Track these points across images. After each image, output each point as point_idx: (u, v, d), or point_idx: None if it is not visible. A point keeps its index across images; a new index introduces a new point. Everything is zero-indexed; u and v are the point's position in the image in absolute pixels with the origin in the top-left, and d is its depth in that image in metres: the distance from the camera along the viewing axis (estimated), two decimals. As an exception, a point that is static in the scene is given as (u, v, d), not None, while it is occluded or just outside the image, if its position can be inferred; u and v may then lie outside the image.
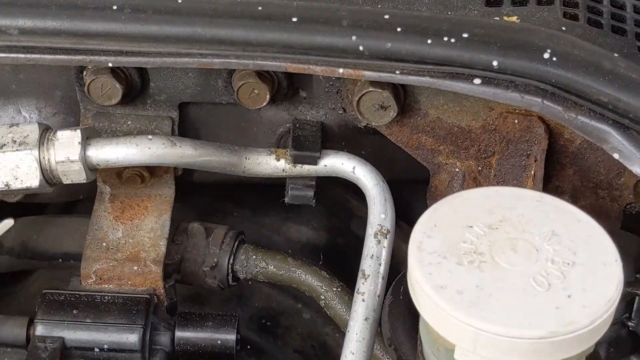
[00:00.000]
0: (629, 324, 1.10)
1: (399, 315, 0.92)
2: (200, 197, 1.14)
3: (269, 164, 0.89)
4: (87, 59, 0.83)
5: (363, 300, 0.82)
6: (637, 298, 1.07)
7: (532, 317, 0.64)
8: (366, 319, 0.81)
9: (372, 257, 0.84)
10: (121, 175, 0.93)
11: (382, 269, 0.84)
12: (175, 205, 0.98)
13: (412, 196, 1.09)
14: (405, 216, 0.97)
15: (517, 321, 0.64)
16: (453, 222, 0.72)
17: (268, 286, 1.14)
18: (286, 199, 0.92)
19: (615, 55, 0.80)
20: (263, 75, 0.87)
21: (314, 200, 0.92)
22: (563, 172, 0.89)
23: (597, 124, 0.78)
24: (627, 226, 1.06)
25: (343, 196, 1.28)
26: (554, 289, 0.66)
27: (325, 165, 0.89)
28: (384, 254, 0.84)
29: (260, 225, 1.18)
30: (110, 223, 0.93)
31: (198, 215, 1.08)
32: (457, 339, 0.66)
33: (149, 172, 0.93)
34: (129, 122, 0.93)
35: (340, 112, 0.94)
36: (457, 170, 0.92)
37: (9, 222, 0.87)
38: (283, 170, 0.90)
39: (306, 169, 0.90)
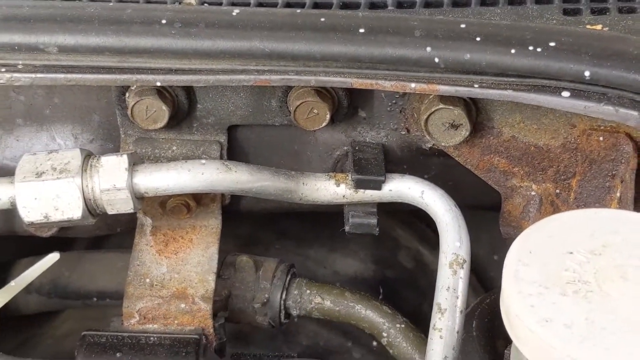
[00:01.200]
0: None
1: (474, 354, 0.84)
2: (239, 227, 1.07)
3: (329, 189, 0.82)
4: (133, 78, 0.76)
5: (441, 337, 0.75)
6: None
7: (655, 353, 0.56)
8: (445, 357, 0.74)
9: (448, 289, 0.77)
10: (165, 205, 0.86)
11: (459, 302, 0.77)
12: None
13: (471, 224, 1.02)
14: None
15: (637, 357, 0.56)
16: (550, 248, 0.65)
17: (315, 323, 1.07)
18: (347, 228, 0.84)
19: None
20: (322, 94, 0.80)
21: (377, 229, 0.84)
22: (652, 193, 0.82)
23: (701, 139, 0.71)
24: None
25: (388, 225, 1.21)
26: (676, 320, 0.58)
27: (390, 190, 0.82)
28: (461, 286, 0.77)
29: (304, 257, 1.11)
30: (153, 257, 0.86)
31: (238, 248, 1.01)
32: (569, 379, 0.58)
33: (196, 201, 0.86)
34: (174, 148, 0.86)
35: (404, 132, 0.86)
36: (532, 193, 0.84)
37: (54, 256, 0.79)
38: (344, 196, 0.82)
39: (369, 194, 0.82)
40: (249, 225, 1.10)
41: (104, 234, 1.02)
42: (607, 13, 0.80)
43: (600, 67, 0.70)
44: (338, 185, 0.82)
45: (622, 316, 0.59)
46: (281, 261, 0.91)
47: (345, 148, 0.88)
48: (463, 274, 0.77)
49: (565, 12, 0.80)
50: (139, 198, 0.77)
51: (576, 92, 0.72)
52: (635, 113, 0.72)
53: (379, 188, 0.82)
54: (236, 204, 0.92)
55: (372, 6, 0.82)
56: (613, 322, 0.58)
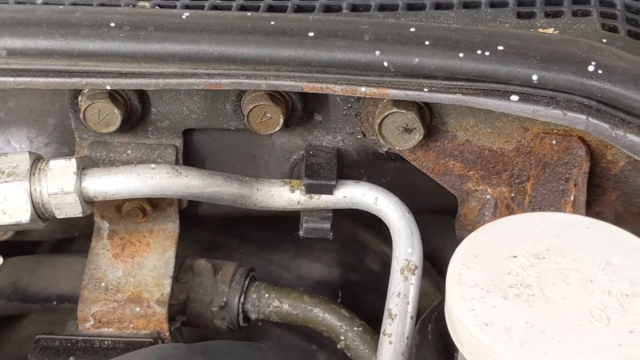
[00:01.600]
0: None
1: (429, 358, 0.84)
2: (202, 232, 1.06)
3: (283, 195, 0.82)
4: (82, 82, 0.76)
5: (390, 342, 0.75)
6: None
7: (591, 355, 0.56)
8: None
9: (399, 295, 0.77)
10: (121, 209, 0.86)
11: (410, 307, 0.77)
12: None
13: (430, 228, 1.02)
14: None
15: (576, 361, 0.56)
16: (494, 252, 0.65)
17: (279, 327, 1.06)
18: (301, 232, 0.84)
19: (663, 67, 0.73)
20: (276, 97, 0.80)
21: (331, 234, 0.84)
22: (604, 197, 0.82)
23: (647, 142, 0.71)
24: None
25: (354, 229, 1.21)
26: (614, 323, 0.58)
27: (344, 197, 0.82)
28: (412, 292, 0.77)
29: (268, 262, 1.11)
30: (110, 261, 0.86)
31: (201, 252, 1.01)
32: (508, 384, 0.58)
33: (151, 205, 0.86)
34: (129, 152, 0.86)
35: (360, 136, 0.86)
36: (488, 197, 0.84)
37: (-2, 261, 0.79)
38: (298, 202, 0.82)
39: (324, 200, 0.82)
40: (211, 230, 1.10)
41: (64, 238, 1.02)
42: (561, 16, 0.80)
43: (548, 70, 0.70)
44: (293, 191, 0.82)
45: (562, 320, 0.59)
46: (240, 265, 0.91)
47: (301, 152, 0.88)
48: (414, 280, 0.77)
49: (519, 16, 0.80)
50: (88, 202, 0.77)
51: (525, 96, 0.72)
52: (583, 117, 0.71)
53: (330, 193, 0.82)
54: (194, 209, 0.92)
55: (327, 9, 0.82)
56: (553, 326, 0.58)
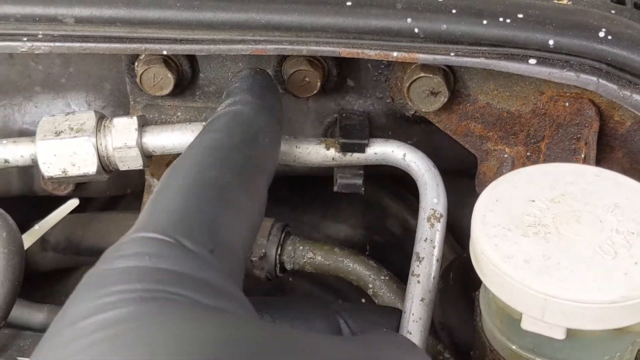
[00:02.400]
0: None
1: (450, 300, 0.92)
2: None
3: (319, 152, 0.90)
4: (142, 47, 0.84)
5: (418, 282, 0.82)
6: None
7: (601, 282, 0.64)
8: (422, 299, 0.81)
9: (425, 240, 0.84)
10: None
11: (436, 251, 0.84)
12: None
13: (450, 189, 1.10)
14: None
15: (587, 287, 0.64)
16: (515, 197, 0.73)
17: (309, 282, 1.14)
18: (335, 188, 0.92)
19: (667, 35, 0.81)
20: (314, 63, 0.88)
21: (363, 189, 0.92)
22: (612, 155, 0.89)
23: (651, 101, 0.79)
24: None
25: (377, 195, 1.29)
26: (621, 256, 0.66)
27: (375, 153, 0.90)
28: (438, 237, 0.84)
29: (299, 222, 1.19)
30: (159, 216, 0.93)
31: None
32: (525, 308, 0.66)
33: (199, 163, 0.94)
34: (179, 114, 0.94)
35: (388, 100, 0.94)
36: (505, 156, 0.92)
37: (74, 202, 0.87)
38: (333, 158, 0.90)
39: (356, 157, 0.90)
40: None
41: (115, 195, 1.10)
42: (575, -11, 0.88)
43: (563, 36, 0.78)
44: (328, 149, 0.90)
45: (575, 253, 0.67)
46: (276, 220, 0.99)
47: (335, 116, 0.96)
48: (440, 227, 0.84)
49: None
50: (148, 156, 0.85)
51: (542, 60, 0.80)
52: (594, 78, 0.79)
53: (363, 151, 0.90)
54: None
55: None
56: (567, 259, 0.66)
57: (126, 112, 0.96)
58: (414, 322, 0.80)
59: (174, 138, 0.84)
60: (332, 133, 0.96)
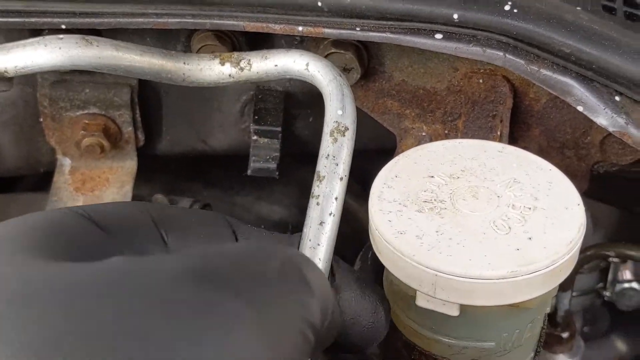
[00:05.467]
0: (604, 294, 1.09)
1: (368, 281, 0.90)
2: (166, 176, 1.12)
3: (213, 69, 0.79)
4: (40, 21, 0.81)
5: (318, 203, 0.71)
6: (611, 267, 1.07)
7: (492, 258, 0.62)
8: (321, 223, 0.70)
9: (327, 157, 0.72)
10: (80, 144, 0.91)
11: (340, 169, 0.72)
12: (141, 184, 0.96)
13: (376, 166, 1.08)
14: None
15: (477, 262, 0.62)
16: (414, 173, 0.71)
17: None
18: (249, 171, 0.91)
19: (578, 8, 0.79)
20: (222, 38, 0.85)
21: (277, 173, 0.90)
22: (529, 132, 0.88)
23: (560, 76, 0.77)
24: (598, 197, 1.06)
25: (313, 177, 1.27)
26: (515, 232, 0.65)
27: (276, 65, 0.79)
28: (343, 154, 0.72)
29: (232, 204, 1.17)
30: (71, 194, 0.91)
31: (165, 195, 1.06)
32: (418, 284, 0.64)
33: (109, 142, 0.92)
34: (87, 90, 0.91)
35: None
36: (423, 134, 0.90)
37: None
38: (229, 75, 0.79)
39: (255, 71, 0.79)
40: (175, 175, 1.16)
41: (33, 174, 1.07)
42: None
43: (467, 10, 0.76)
44: (223, 64, 0.79)
45: (468, 229, 0.65)
46: (196, 200, 0.97)
47: (251, 92, 0.94)
48: (345, 141, 0.72)
49: None
50: (2, 79, 0.79)
51: (448, 35, 0.78)
52: (500, 53, 0.77)
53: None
54: (153, 148, 0.97)
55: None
56: (460, 234, 0.65)
57: (36, 90, 0.93)
58: (312, 249, 0.68)
59: (25, 55, 0.73)
60: (249, 111, 0.94)
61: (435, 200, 0.68)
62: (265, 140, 0.91)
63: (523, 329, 0.69)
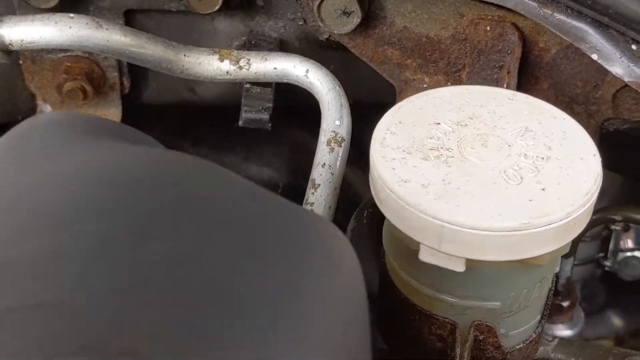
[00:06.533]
0: (605, 263, 1.05)
1: (362, 239, 0.86)
2: (153, 134, 1.06)
3: (212, 64, 0.81)
4: None
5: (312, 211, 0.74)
6: (612, 236, 1.03)
7: (502, 209, 0.58)
8: None
9: (323, 165, 0.76)
10: (61, 89, 0.86)
11: (334, 179, 0.75)
12: None
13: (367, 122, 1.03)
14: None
15: (487, 213, 0.58)
16: (419, 120, 0.66)
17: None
18: (240, 122, 0.86)
19: (595, -51, 0.74)
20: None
21: (270, 125, 0.85)
22: (537, 86, 0.83)
23: (575, 22, 0.73)
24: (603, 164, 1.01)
25: (306, 139, 1.22)
26: (527, 182, 0.60)
27: (275, 69, 0.81)
28: (338, 164, 0.76)
29: (219, 164, 1.12)
30: (51, 142, 0.86)
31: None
32: (422, 237, 0.60)
33: (92, 87, 0.86)
34: None
35: (301, 23, 0.87)
36: (425, 86, 0.85)
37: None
38: (227, 72, 0.81)
39: (253, 72, 0.81)
40: (163, 132, 1.10)
41: (5, 123, 1.02)
42: None
43: (479, -54, 0.71)
44: (222, 60, 0.81)
45: (477, 178, 0.61)
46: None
47: (244, 38, 0.89)
48: (341, 152, 0.76)
49: None
50: (5, 51, 0.76)
51: (457, -29, 0.73)
52: (512, -6, 0.73)
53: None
54: (138, 96, 0.92)
55: None
56: (468, 183, 0.60)
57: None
58: None
59: (34, 30, 0.74)
60: (240, 58, 0.89)
61: (441, 148, 0.64)
62: (258, 89, 0.86)
63: (531, 288, 0.65)
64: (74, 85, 0.85)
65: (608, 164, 1.03)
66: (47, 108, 0.88)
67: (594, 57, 0.73)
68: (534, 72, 0.83)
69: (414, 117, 0.67)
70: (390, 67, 0.86)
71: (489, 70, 0.81)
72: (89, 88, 0.86)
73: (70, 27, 0.74)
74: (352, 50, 0.85)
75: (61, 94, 0.86)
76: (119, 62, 0.87)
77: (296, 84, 0.81)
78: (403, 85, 0.87)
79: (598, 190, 0.61)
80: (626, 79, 0.72)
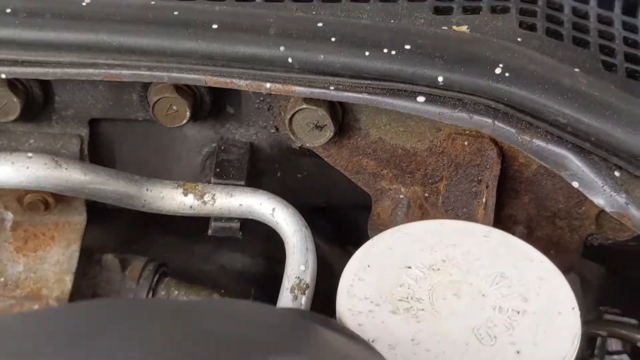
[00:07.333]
0: (592, 362, 1.02)
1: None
2: (120, 223, 1.03)
3: (175, 199, 0.79)
4: None
5: None
6: (598, 338, 0.99)
7: (475, 378, 0.55)
8: None
9: None
10: (22, 200, 0.82)
11: None
12: (93, 231, 0.88)
13: (361, 219, 0.99)
14: (355, 241, 0.87)
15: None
16: (389, 262, 0.63)
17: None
18: (209, 231, 0.82)
19: (576, 70, 0.71)
20: (182, 90, 0.77)
21: (241, 233, 0.82)
22: (517, 199, 0.80)
23: (555, 147, 0.69)
24: (589, 255, 0.98)
25: None
26: (501, 343, 0.57)
27: (240, 205, 0.78)
28: None
29: (189, 253, 1.08)
30: (11, 255, 0.82)
31: (119, 244, 0.97)
32: (389, 403, 0.56)
33: (54, 198, 0.83)
34: (32, 141, 0.82)
35: (273, 130, 0.84)
36: (401, 196, 0.82)
37: None
38: (191, 207, 0.79)
39: (218, 207, 0.79)
40: (130, 221, 1.06)
41: None
42: (479, 12, 0.77)
43: (454, 72, 0.68)
44: (186, 194, 0.79)
45: (448, 338, 0.57)
46: (150, 260, 0.88)
47: (214, 145, 0.85)
48: (304, 300, 0.71)
49: (436, 10, 0.77)
50: None
51: (432, 97, 0.70)
52: (489, 120, 0.69)
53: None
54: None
55: (241, -1, 0.79)
56: (439, 344, 0.57)
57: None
58: None
59: None
60: (211, 164, 0.85)
61: (411, 298, 0.60)
62: None
63: None
64: (35, 197, 0.82)
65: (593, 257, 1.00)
66: (9, 215, 0.85)
67: (575, 185, 0.69)
68: (513, 186, 0.79)
69: (384, 258, 0.63)
70: (365, 177, 0.83)
71: (467, 183, 0.78)
72: (50, 199, 0.82)
73: (27, 168, 0.73)
74: (326, 160, 0.82)
75: (22, 205, 0.83)
76: (81, 155, 0.84)
77: (262, 221, 0.78)
78: (379, 195, 0.83)
79: (577, 351, 0.57)
80: (608, 210, 0.69)
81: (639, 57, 0.78)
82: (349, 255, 0.83)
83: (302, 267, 0.73)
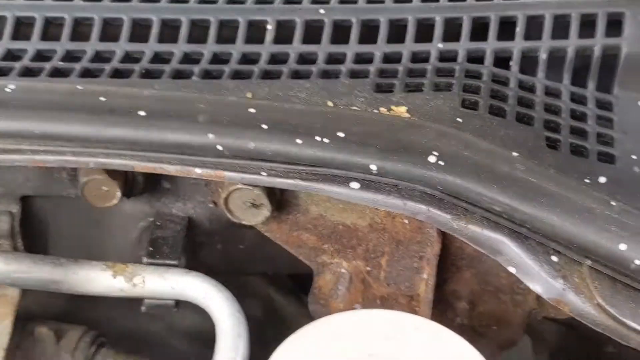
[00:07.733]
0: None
1: None
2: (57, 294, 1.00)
3: (103, 282, 0.76)
4: None
5: None
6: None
7: None
8: None
9: None
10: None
11: None
12: (28, 308, 0.85)
13: None
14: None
15: None
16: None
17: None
18: (142, 308, 0.80)
19: (514, 154, 0.70)
20: (112, 170, 0.75)
21: (176, 309, 0.80)
22: (459, 275, 0.79)
23: (491, 233, 0.68)
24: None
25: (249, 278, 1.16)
26: None
27: (172, 288, 0.76)
28: None
29: (136, 312, 1.06)
30: (-61, 334, 0.80)
31: (63, 302, 0.95)
32: None
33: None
34: None
35: (211, 205, 0.82)
36: (343, 270, 0.80)
37: None
38: (121, 289, 0.76)
39: (149, 289, 0.77)
40: None
41: None
42: (422, 90, 0.76)
43: (386, 160, 0.66)
44: (115, 277, 0.76)
45: None
46: (86, 330, 0.86)
47: (150, 219, 0.83)
48: None
49: (378, 88, 0.76)
50: None
51: (366, 184, 0.69)
52: (423, 207, 0.68)
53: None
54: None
55: (177, 75, 0.78)
56: None
57: None
58: None
59: None
60: (147, 238, 0.83)
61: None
62: None
63: None
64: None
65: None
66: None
67: (512, 270, 0.68)
68: (455, 261, 0.79)
69: (307, 356, 0.62)
70: (306, 251, 0.81)
71: (408, 259, 0.77)
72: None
73: None
74: (265, 234, 0.80)
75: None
76: (15, 247, 0.81)
77: (193, 303, 0.76)
78: (320, 268, 0.82)
79: None
80: (545, 297, 0.68)
81: (584, 130, 0.77)
82: (305, 305, 0.82)
83: (232, 354, 0.70)
